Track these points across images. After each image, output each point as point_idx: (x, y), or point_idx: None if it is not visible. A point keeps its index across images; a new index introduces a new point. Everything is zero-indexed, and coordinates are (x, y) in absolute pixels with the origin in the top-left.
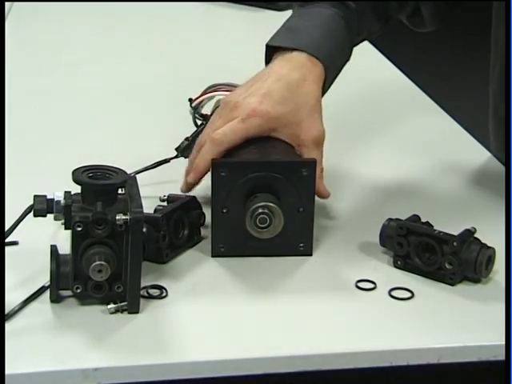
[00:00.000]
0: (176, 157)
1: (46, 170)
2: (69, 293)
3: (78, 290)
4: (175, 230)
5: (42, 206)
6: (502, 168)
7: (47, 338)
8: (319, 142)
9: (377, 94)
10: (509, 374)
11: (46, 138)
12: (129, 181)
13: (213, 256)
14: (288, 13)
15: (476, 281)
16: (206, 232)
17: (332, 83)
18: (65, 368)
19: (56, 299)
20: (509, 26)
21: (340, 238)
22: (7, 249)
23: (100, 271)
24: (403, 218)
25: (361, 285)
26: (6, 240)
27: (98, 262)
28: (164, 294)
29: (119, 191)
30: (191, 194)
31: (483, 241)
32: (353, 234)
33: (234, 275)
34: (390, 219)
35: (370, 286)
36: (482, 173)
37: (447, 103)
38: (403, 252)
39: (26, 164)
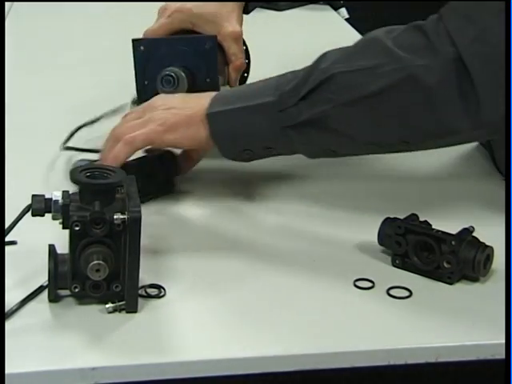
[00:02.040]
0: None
1: (45, 169)
2: (67, 292)
3: (76, 290)
4: (148, 177)
5: (40, 206)
6: None
7: (45, 337)
8: (236, 37)
9: None
10: (508, 373)
11: (46, 138)
12: (127, 180)
13: None
14: (288, 13)
15: (474, 280)
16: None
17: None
18: (62, 367)
19: (54, 299)
20: (509, 26)
21: (338, 236)
22: (6, 248)
23: (98, 270)
24: (401, 217)
25: (359, 284)
26: (5, 240)
27: (95, 262)
28: (162, 294)
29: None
30: None
31: (481, 240)
32: (351, 233)
33: (233, 275)
34: (389, 218)
35: (368, 284)
36: (481, 172)
37: None
38: (401, 251)
39: (26, 164)
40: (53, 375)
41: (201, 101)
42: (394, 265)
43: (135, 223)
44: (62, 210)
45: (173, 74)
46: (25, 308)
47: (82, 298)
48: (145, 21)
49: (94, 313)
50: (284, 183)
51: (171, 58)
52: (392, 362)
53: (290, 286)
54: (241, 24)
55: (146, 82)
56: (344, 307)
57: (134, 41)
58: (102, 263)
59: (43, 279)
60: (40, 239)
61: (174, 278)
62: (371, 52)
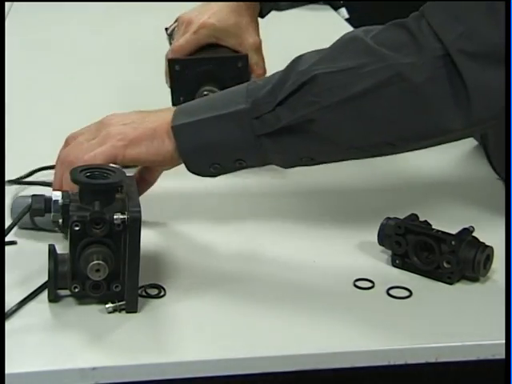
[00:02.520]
0: None
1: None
2: (67, 292)
3: (76, 290)
4: None
5: (39, 206)
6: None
7: (45, 337)
8: (257, 48)
9: None
10: (508, 373)
11: (46, 138)
12: (127, 180)
13: None
14: (288, 13)
15: (474, 280)
16: None
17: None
18: (62, 367)
19: (54, 299)
20: (509, 26)
21: (338, 236)
22: (6, 248)
23: (98, 270)
24: (401, 217)
25: (359, 284)
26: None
27: (95, 262)
28: (162, 294)
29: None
30: None
31: (481, 240)
32: (351, 233)
33: (233, 275)
34: (389, 218)
35: (368, 284)
36: (480, 172)
37: None
38: (401, 251)
39: (26, 163)
40: (53, 375)
41: (162, 114)
42: (394, 265)
43: (135, 223)
44: (62, 210)
45: (210, 93)
46: (25, 308)
47: (82, 298)
48: (145, 21)
49: (94, 313)
50: (283, 183)
51: (206, 76)
52: (392, 362)
53: (290, 286)
54: (258, 33)
55: (181, 99)
56: (344, 307)
57: (169, 61)
58: (101, 263)
59: (43, 279)
60: (40, 239)
61: (174, 278)
62: (353, 51)
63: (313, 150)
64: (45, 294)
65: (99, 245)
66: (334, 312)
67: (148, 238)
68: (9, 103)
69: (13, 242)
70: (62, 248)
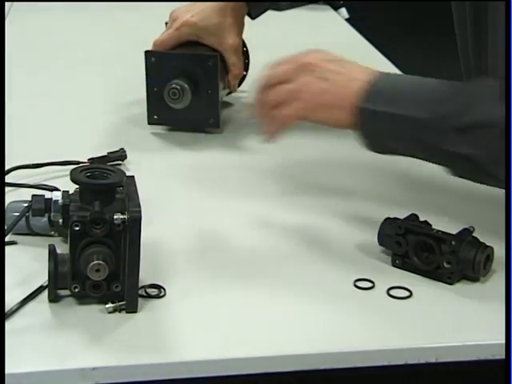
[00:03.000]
0: None
1: (44, 168)
2: (67, 292)
3: (76, 290)
4: None
5: (40, 206)
6: None
7: (45, 337)
8: (236, 49)
9: None
10: (508, 373)
11: (46, 137)
12: (126, 180)
13: (149, 123)
14: (288, 13)
15: (474, 280)
16: None
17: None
18: (63, 367)
19: (54, 299)
20: (509, 26)
21: (338, 236)
22: (6, 248)
23: (98, 270)
24: (401, 217)
25: (359, 284)
26: (6, 240)
27: (95, 262)
28: (162, 294)
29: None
30: None
31: (481, 240)
32: (351, 233)
33: (233, 275)
34: (389, 218)
35: (369, 285)
36: None
37: None
38: (401, 251)
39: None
40: (53, 375)
41: (358, 77)
42: (394, 265)
43: (135, 223)
44: (62, 210)
45: (178, 86)
46: (25, 308)
47: (82, 298)
48: (145, 20)
49: (94, 313)
50: (283, 183)
51: (178, 70)
52: (392, 362)
53: (290, 287)
54: (240, 35)
55: (155, 89)
56: (344, 307)
57: (146, 52)
58: (101, 263)
59: (43, 279)
60: (40, 240)
61: (174, 278)
62: None
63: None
64: (45, 294)
65: (99, 245)
66: (335, 312)
67: (148, 238)
68: (8, 103)
69: (13, 242)
70: (62, 249)
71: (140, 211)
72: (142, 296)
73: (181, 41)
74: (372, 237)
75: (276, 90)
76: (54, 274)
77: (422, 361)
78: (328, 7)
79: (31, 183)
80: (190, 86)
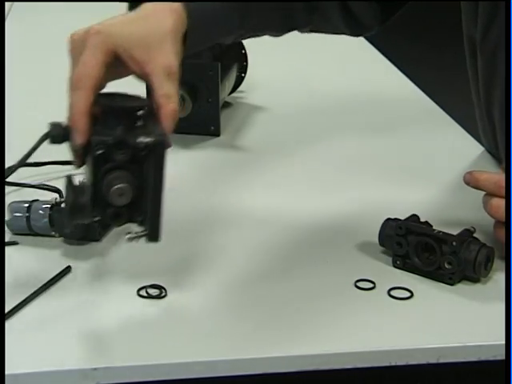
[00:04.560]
0: None
1: (45, 169)
2: (69, 294)
3: (96, 218)
4: None
5: (58, 132)
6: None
7: (45, 337)
8: (171, 73)
9: (378, 96)
10: (509, 373)
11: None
12: (149, 105)
13: None
14: None
15: (475, 280)
16: None
17: (204, 42)
18: (63, 368)
19: (70, 232)
20: (509, 26)
21: (339, 237)
22: (6, 249)
23: (121, 195)
24: (402, 217)
25: (360, 284)
26: (7, 240)
27: (119, 185)
28: (163, 294)
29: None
30: None
31: (482, 240)
32: (352, 234)
33: (234, 275)
34: (389, 219)
35: (369, 285)
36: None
37: (446, 102)
38: (402, 252)
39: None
40: (54, 376)
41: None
42: (395, 265)
43: (160, 147)
44: (85, 143)
45: (179, 96)
46: (25, 308)
47: (102, 228)
48: None
49: (95, 313)
50: (283, 184)
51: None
52: (393, 363)
53: (291, 287)
54: (178, 55)
55: None
56: (345, 308)
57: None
58: (125, 187)
59: (43, 279)
60: (40, 239)
61: (174, 278)
62: None
63: None
64: (45, 295)
65: (122, 170)
66: (335, 313)
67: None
68: (9, 103)
69: (14, 243)
70: (62, 250)
71: (166, 135)
72: (142, 296)
73: (99, 61)
74: (373, 237)
75: None
76: (72, 203)
77: (423, 361)
78: None
79: (32, 183)
80: (190, 95)
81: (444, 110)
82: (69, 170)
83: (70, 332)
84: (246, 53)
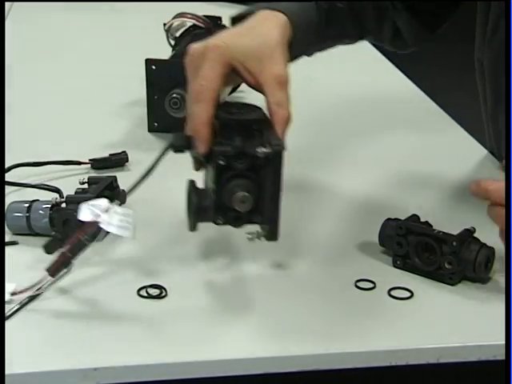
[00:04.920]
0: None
1: (45, 169)
2: (69, 294)
3: (220, 222)
4: None
5: (180, 143)
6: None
7: (46, 337)
8: (282, 82)
9: (379, 96)
10: (509, 373)
11: (46, 138)
12: (265, 117)
13: (149, 131)
14: None
15: (475, 280)
16: None
17: (303, 52)
18: (64, 368)
19: (194, 229)
20: (509, 26)
21: (339, 237)
22: (7, 248)
23: (243, 202)
24: (402, 217)
25: (360, 284)
26: (7, 240)
27: (241, 193)
28: (163, 294)
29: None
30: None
31: (482, 240)
32: (352, 234)
33: (234, 275)
34: (390, 219)
35: (370, 285)
36: (482, 172)
37: (446, 102)
38: (402, 252)
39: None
40: (55, 375)
41: None
42: (395, 265)
43: (278, 156)
44: (208, 151)
45: (179, 96)
46: (25, 308)
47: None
48: (145, 20)
49: (95, 313)
50: (283, 183)
51: (179, 78)
52: (393, 363)
53: (291, 287)
54: (287, 64)
55: (155, 97)
56: (345, 308)
57: (146, 60)
58: (247, 195)
59: (43, 279)
60: (41, 240)
61: (175, 278)
62: None
63: None
64: (45, 295)
65: (242, 178)
66: (335, 313)
67: (149, 239)
68: (9, 103)
69: (14, 243)
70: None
71: (283, 144)
72: (142, 296)
73: (218, 74)
74: (373, 237)
75: None
76: (197, 206)
77: (424, 361)
78: None
79: (32, 183)
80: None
81: (444, 110)
82: (69, 169)
83: (70, 332)
84: None
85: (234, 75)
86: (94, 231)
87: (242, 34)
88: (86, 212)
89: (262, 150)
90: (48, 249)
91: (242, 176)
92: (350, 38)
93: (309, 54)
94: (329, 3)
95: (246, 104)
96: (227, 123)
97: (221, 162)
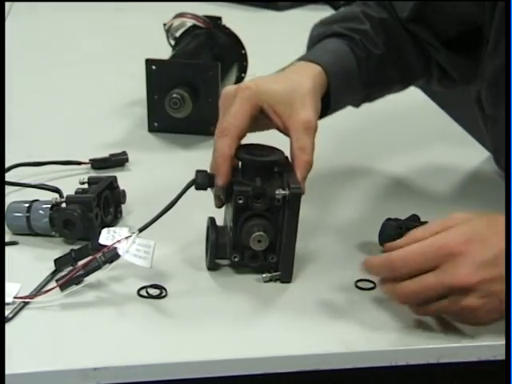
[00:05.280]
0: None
1: (45, 169)
2: (69, 294)
3: (236, 259)
4: (104, 208)
5: (203, 181)
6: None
7: (46, 337)
8: (309, 128)
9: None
10: (509, 373)
11: (46, 138)
12: (284, 160)
13: (149, 131)
14: (288, 13)
15: None
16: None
17: (344, 103)
18: (64, 368)
19: (214, 267)
20: (509, 26)
21: (339, 237)
22: (7, 248)
23: (260, 241)
24: (402, 217)
25: (360, 284)
26: (7, 240)
27: (258, 233)
28: (164, 294)
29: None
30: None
31: None
32: (352, 234)
33: (234, 275)
34: (390, 219)
35: (370, 285)
36: (482, 173)
37: (445, 102)
38: None
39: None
40: (55, 375)
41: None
42: None
43: (296, 199)
44: (226, 185)
45: (179, 96)
46: (25, 308)
47: (238, 267)
48: (145, 20)
49: (95, 313)
50: None
51: (179, 79)
52: (394, 363)
53: (291, 287)
54: (317, 113)
55: (155, 97)
56: (345, 308)
57: (147, 60)
58: (263, 235)
59: (49, 287)
60: (40, 240)
61: (175, 278)
62: None
63: None
64: (46, 295)
65: (260, 218)
66: (336, 313)
67: (149, 238)
68: (9, 103)
69: (14, 243)
70: (62, 250)
71: (301, 188)
72: (143, 296)
73: (246, 112)
74: (373, 237)
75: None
76: (215, 244)
77: (424, 361)
78: (328, 7)
79: (33, 183)
80: (190, 95)
81: (444, 110)
82: (69, 169)
83: (70, 332)
84: (246, 53)
85: (262, 122)
86: (112, 256)
87: (275, 79)
88: (107, 236)
89: (280, 192)
90: (59, 264)
91: (259, 216)
92: (398, 83)
93: (355, 104)
94: (365, 50)
95: (267, 146)
96: (248, 164)
97: (240, 202)
